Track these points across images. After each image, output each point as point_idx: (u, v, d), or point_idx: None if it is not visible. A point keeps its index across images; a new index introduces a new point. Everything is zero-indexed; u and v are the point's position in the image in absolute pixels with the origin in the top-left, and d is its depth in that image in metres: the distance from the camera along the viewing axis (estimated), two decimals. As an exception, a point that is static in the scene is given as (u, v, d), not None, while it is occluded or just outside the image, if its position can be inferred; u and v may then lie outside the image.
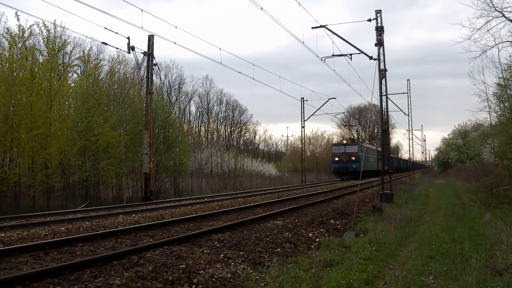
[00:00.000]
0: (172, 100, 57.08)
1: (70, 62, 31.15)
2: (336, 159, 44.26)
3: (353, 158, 43.31)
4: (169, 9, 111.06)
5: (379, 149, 56.93)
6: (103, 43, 20.02)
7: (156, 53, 20.97)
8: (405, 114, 40.43)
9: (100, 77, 23.89)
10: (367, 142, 52.31)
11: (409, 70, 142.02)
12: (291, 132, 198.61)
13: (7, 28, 19.16)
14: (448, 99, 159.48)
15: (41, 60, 21.28)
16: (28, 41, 21.53)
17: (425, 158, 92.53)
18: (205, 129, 65.30)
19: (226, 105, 68.08)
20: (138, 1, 17.84)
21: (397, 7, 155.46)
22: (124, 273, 5.96)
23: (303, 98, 42.09)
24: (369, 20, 18.43)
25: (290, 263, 6.96)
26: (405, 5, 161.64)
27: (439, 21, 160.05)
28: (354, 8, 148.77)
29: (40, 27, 20.62)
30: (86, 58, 28.52)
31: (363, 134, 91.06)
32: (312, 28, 19.44)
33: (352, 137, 48.03)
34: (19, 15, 18.89)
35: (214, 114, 67.17)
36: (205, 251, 7.61)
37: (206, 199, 20.23)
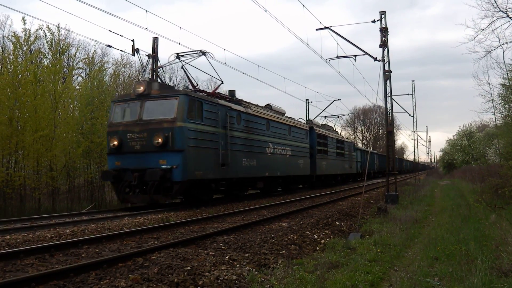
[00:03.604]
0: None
1: (74, 64, 31.31)
2: (115, 142, 14.73)
3: (160, 140, 13.94)
4: (174, 10, 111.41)
5: (326, 132, 30.45)
6: (107, 45, 20.06)
7: (160, 55, 20.99)
8: (410, 115, 40.13)
9: (105, 79, 24.00)
10: (275, 108, 23.75)
11: (412, 71, 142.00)
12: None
13: (14, 32, 19.31)
14: (452, 100, 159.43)
15: (45, 63, 21.41)
16: (33, 45, 21.67)
17: (430, 159, 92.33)
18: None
19: (231, 106, 67.77)
20: (142, 2, 17.91)
21: (397, 8, 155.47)
22: (129, 275, 5.97)
23: (307, 99, 41.78)
24: (373, 21, 18.43)
25: (295, 265, 6.96)
26: (405, 6, 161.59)
27: (441, 21, 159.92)
28: (355, 9, 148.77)
29: (44, 31, 20.75)
30: (91, 60, 28.66)
31: (368, 135, 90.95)
32: (317, 29, 19.42)
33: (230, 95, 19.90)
34: (25, 19, 19.01)
35: (218, 116, 66.91)
36: (210, 253, 7.61)
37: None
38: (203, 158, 15.05)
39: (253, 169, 18.87)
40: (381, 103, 19.79)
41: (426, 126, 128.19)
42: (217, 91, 19.03)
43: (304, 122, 28.47)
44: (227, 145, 15.67)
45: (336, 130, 36.75)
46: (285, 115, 24.76)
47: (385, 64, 18.32)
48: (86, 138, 20.43)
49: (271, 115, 21.78)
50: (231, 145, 16.83)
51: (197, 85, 18.90)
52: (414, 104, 41.37)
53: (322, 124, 33.23)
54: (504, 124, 20.16)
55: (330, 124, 36.15)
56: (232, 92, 20.11)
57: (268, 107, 23.25)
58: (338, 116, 37.84)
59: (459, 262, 6.70)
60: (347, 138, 40.71)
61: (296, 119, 26.64)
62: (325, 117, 37.66)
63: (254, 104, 21.34)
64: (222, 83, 18.74)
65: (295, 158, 24.01)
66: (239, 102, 19.24)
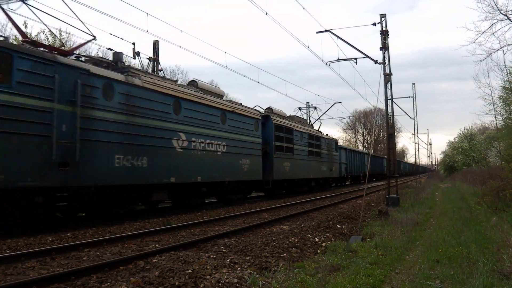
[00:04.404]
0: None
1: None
2: None
3: None
4: (174, 13, 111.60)
5: (292, 125, 24.17)
6: (108, 49, 20.09)
7: (161, 57, 20.97)
8: (410, 118, 40.20)
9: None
10: (203, 86, 17.06)
11: (413, 74, 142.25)
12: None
13: (15, 36, 19.33)
14: (453, 102, 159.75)
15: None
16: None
17: (431, 161, 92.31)
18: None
19: (231, 109, 67.65)
20: (143, 5, 17.96)
21: (397, 10, 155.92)
22: (130, 279, 5.97)
23: (308, 102, 41.87)
24: (374, 24, 18.48)
25: (296, 268, 6.96)
26: (405, 8, 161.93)
27: (441, 24, 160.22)
28: (355, 11, 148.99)
29: (45, 34, 20.77)
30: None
31: (368, 138, 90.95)
32: (317, 32, 19.48)
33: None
34: (27, 23, 19.08)
35: (219, 119, 66.81)
36: (212, 256, 7.61)
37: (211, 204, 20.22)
38: (8, 153, 9.11)
39: (139, 171, 12.56)
40: (381, 105, 19.79)
41: (427, 129, 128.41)
42: (99, 56, 13.08)
43: (263, 111, 22.57)
44: (75, 131, 10.24)
45: (312, 124, 31.12)
46: (224, 97, 19.03)
47: (386, 67, 18.35)
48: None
49: (184, 92, 14.78)
50: (88, 132, 10.88)
51: (61, 45, 12.27)
52: (414, 106, 41.34)
53: (289, 115, 26.69)
54: (505, 126, 20.16)
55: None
56: (118, 56, 13.07)
57: (193, 84, 16.92)
58: (315, 108, 33.64)
59: (461, 264, 6.69)
60: (327, 134, 31.45)
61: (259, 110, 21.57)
62: (299, 108, 33.85)
63: (156, 76, 14.90)
64: (95, 38, 12.26)
65: (234, 156, 17.62)
66: (126, 69, 12.86)
